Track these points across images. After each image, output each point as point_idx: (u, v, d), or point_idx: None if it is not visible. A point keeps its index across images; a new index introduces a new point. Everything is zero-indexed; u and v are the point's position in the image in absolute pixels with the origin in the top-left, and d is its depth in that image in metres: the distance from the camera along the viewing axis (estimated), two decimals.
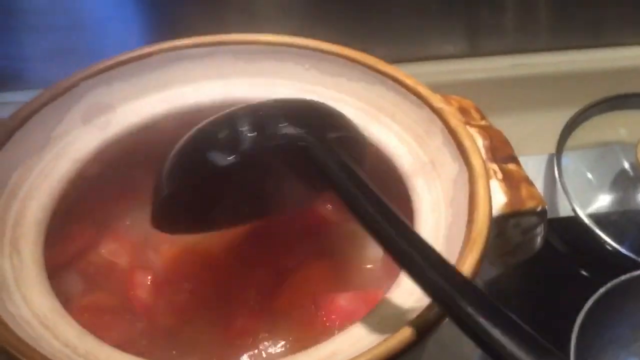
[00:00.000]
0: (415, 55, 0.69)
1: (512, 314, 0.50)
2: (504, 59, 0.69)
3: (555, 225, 0.58)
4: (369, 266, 0.37)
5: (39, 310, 0.27)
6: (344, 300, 0.33)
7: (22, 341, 0.24)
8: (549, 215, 0.58)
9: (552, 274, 0.55)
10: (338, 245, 0.38)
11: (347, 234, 0.38)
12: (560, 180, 0.57)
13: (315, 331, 0.32)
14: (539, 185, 0.61)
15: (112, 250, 0.37)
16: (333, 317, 0.33)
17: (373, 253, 0.37)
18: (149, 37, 0.62)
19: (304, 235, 0.38)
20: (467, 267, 0.26)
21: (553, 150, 0.59)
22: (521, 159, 0.58)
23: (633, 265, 0.48)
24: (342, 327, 0.31)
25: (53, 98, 0.35)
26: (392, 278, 0.33)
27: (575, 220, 0.54)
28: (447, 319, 0.25)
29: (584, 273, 0.55)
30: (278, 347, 0.32)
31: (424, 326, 0.24)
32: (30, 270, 0.29)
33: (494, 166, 0.32)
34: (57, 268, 0.31)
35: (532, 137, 0.65)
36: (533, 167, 0.61)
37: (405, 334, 0.24)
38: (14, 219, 0.31)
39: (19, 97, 0.37)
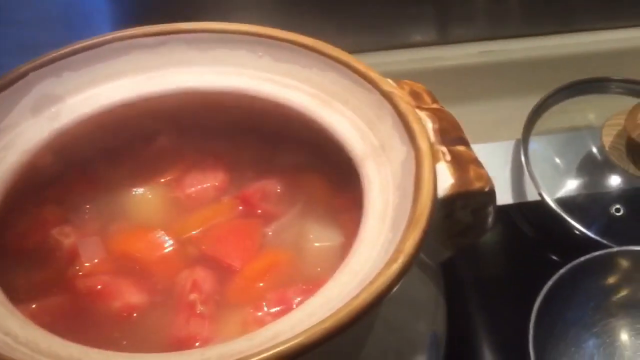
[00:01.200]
0: (384, 44, 0.69)
1: (478, 296, 0.50)
2: (473, 46, 0.69)
3: (523, 209, 0.58)
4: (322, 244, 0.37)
5: None
6: (293, 294, 0.33)
7: None
8: (517, 200, 0.59)
9: (520, 257, 0.55)
10: (288, 235, 0.38)
11: (292, 222, 0.38)
12: (527, 166, 0.57)
13: None
14: (507, 170, 0.61)
15: (62, 233, 0.37)
16: (284, 312, 0.33)
17: (329, 234, 0.37)
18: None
19: (245, 229, 0.38)
20: (407, 248, 0.26)
21: (520, 136, 0.59)
22: (489, 145, 0.58)
23: (599, 247, 0.48)
24: None
25: (0, 90, 0.34)
26: None
27: (542, 204, 0.55)
28: (388, 296, 0.25)
29: (552, 256, 0.55)
30: None
31: (358, 309, 0.24)
32: None
33: (442, 148, 0.32)
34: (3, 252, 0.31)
35: (500, 124, 0.66)
36: (501, 152, 0.62)
37: (341, 314, 0.24)
38: None
39: None
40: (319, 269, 0.37)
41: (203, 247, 0.37)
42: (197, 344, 0.32)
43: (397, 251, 0.26)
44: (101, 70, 0.37)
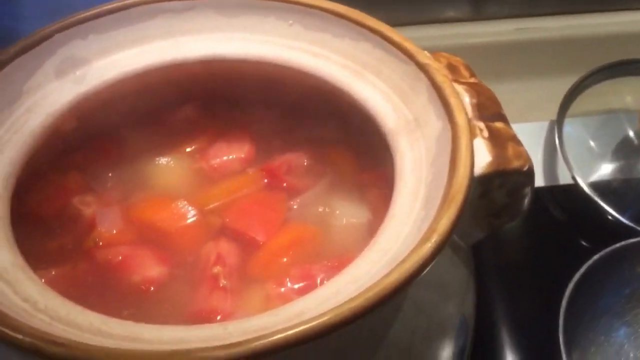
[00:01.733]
0: (416, 19, 0.67)
1: (504, 280, 0.49)
2: (507, 22, 0.67)
3: (555, 193, 0.57)
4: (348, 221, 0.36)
5: (0, 265, 0.26)
6: (318, 271, 0.32)
7: None
8: (549, 183, 0.58)
9: (550, 243, 0.54)
10: (313, 210, 0.36)
11: (318, 196, 0.37)
12: (561, 148, 0.55)
13: None
14: (539, 152, 0.60)
15: (83, 202, 0.36)
16: (307, 289, 0.32)
17: (356, 210, 0.36)
18: None
19: (270, 202, 0.37)
20: (443, 225, 0.25)
21: (554, 117, 0.57)
22: (522, 126, 0.56)
23: (634, 234, 0.46)
24: None
25: (24, 50, 0.33)
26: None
27: (575, 188, 0.53)
28: (419, 277, 0.23)
29: (583, 242, 0.53)
30: None
31: (389, 288, 0.23)
32: None
33: (480, 124, 0.31)
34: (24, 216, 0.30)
35: (534, 104, 0.64)
36: (534, 134, 0.60)
37: (370, 293, 0.22)
38: None
39: None
40: (344, 246, 0.35)
41: (226, 219, 0.36)
42: (218, 317, 0.31)
43: (431, 230, 0.25)
44: (127, 34, 0.36)
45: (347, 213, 0.37)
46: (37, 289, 0.25)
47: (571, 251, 0.53)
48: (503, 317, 0.46)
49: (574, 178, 0.54)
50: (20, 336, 0.22)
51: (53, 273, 0.33)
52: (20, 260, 0.27)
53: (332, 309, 0.22)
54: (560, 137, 0.56)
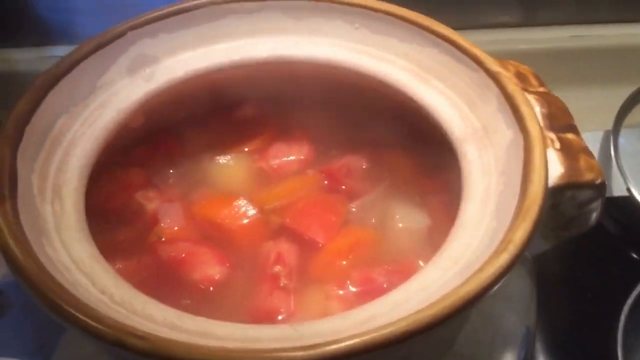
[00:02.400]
0: (469, 23, 0.66)
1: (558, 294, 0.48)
2: (562, 29, 0.66)
3: (608, 204, 0.55)
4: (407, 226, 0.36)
5: (77, 256, 0.27)
6: (378, 275, 0.32)
7: (60, 286, 0.24)
8: None
9: (602, 255, 0.53)
10: (372, 214, 0.37)
11: (377, 200, 0.37)
12: (616, 159, 0.54)
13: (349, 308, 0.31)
14: None
15: (146, 197, 0.37)
16: (368, 292, 0.32)
17: (416, 215, 0.36)
18: None
19: (330, 204, 0.37)
20: (517, 238, 0.25)
21: (610, 127, 0.56)
22: None
23: None
24: None
25: (100, 47, 0.34)
26: (434, 249, 0.32)
27: (629, 200, 0.52)
28: (494, 289, 0.23)
29: (635, 256, 0.52)
30: None
31: (466, 297, 0.23)
32: (71, 216, 0.28)
33: (551, 135, 0.31)
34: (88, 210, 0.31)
35: (589, 113, 0.62)
36: (589, 143, 0.58)
37: (447, 302, 0.22)
38: (57, 165, 0.30)
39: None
40: (403, 251, 0.35)
41: (286, 220, 0.36)
42: (279, 317, 0.32)
43: (506, 241, 0.25)
44: (196, 33, 0.37)
45: (406, 218, 0.37)
46: (113, 281, 0.26)
47: (624, 265, 0.52)
48: (557, 329, 0.45)
49: (628, 190, 0.53)
50: (103, 327, 0.22)
51: (119, 266, 0.33)
52: (96, 252, 0.27)
53: (409, 316, 0.22)
54: (615, 148, 0.55)
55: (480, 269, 0.24)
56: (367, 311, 0.25)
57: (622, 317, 0.40)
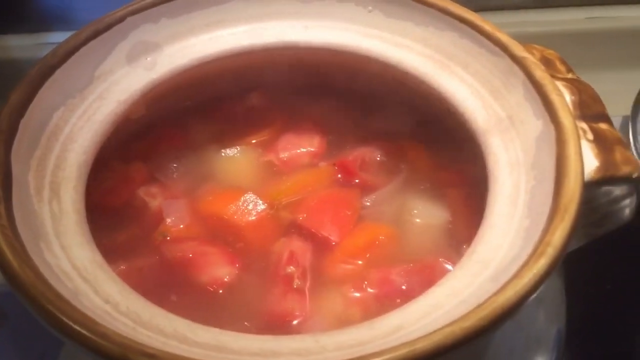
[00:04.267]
0: (481, 5, 0.64)
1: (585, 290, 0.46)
2: (578, 10, 0.63)
3: None
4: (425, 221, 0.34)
5: (78, 262, 0.25)
6: (397, 276, 0.30)
7: (60, 297, 0.22)
8: None
9: (620, 246, 0.51)
10: (388, 209, 0.35)
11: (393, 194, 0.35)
12: (635, 145, 0.52)
13: (367, 311, 0.30)
14: None
15: (149, 193, 0.35)
16: (387, 294, 0.30)
17: (434, 210, 0.34)
18: None
19: (343, 199, 0.35)
20: (556, 240, 0.23)
21: (628, 112, 0.54)
22: None
23: None
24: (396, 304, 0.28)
25: (97, 34, 0.32)
26: (455, 246, 0.30)
27: None
28: (534, 295, 0.21)
29: None
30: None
31: (505, 306, 0.21)
32: (70, 217, 0.26)
33: (583, 125, 0.29)
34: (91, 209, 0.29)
35: (606, 98, 0.60)
36: None
37: (483, 312, 0.21)
38: (54, 162, 0.28)
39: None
40: (422, 248, 0.34)
41: (298, 216, 0.34)
42: (295, 321, 0.30)
43: (545, 243, 0.23)
44: (200, 18, 0.34)
45: (424, 213, 0.35)
46: (117, 289, 0.24)
47: None
48: (589, 328, 0.44)
49: None
50: (108, 344, 0.20)
51: (122, 267, 0.31)
52: (98, 257, 0.25)
53: (443, 328, 0.20)
54: (634, 134, 0.53)
55: (518, 275, 0.22)
56: (394, 320, 0.23)
57: None
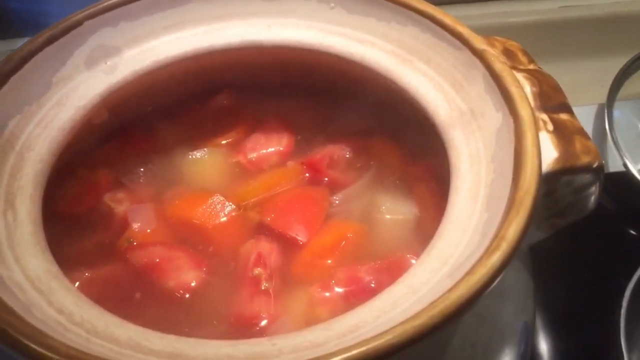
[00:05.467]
0: None
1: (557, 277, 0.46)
2: (552, 0, 0.63)
3: (605, 180, 0.54)
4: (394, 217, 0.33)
5: (32, 272, 0.24)
6: (365, 274, 0.30)
7: (7, 309, 0.22)
8: None
9: (600, 233, 0.51)
10: (357, 206, 0.34)
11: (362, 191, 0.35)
12: (611, 133, 0.52)
13: (335, 310, 0.29)
14: None
15: (115, 199, 0.34)
16: (355, 293, 0.30)
17: (403, 206, 0.34)
18: None
19: (311, 198, 0.35)
20: (510, 234, 0.23)
21: (603, 100, 0.54)
22: None
23: None
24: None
25: (54, 39, 0.32)
26: (423, 241, 0.30)
27: (626, 175, 0.51)
28: (489, 289, 0.21)
29: (633, 232, 0.51)
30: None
31: (456, 303, 0.20)
32: (26, 228, 0.26)
33: (543, 116, 0.28)
34: (52, 216, 0.29)
35: (581, 87, 0.60)
36: (582, 118, 0.56)
37: (435, 310, 0.20)
38: (9, 172, 0.28)
39: None
40: (391, 245, 0.33)
41: (266, 217, 0.34)
42: (262, 323, 0.29)
43: (499, 238, 0.23)
44: (159, 20, 0.34)
45: (392, 209, 0.35)
46: (72, 299, 0.24)
47: (621, 241, 0.51)
48: (553, 316, 0.44)
49: (625, 165, 0.51)
50: (56, 357, 0.20)
51: (86, 275, 0.31)
52: (54, 267, 0.25)
53: (394, 328, 0.20)
54: (610, 122, 0.53)
55: (471, 271, 0.21)
56: (352, 320, 0.23)
57: (625, 300, 0.39)
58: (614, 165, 0.54)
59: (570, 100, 0.56)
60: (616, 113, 0.54)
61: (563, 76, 0.61)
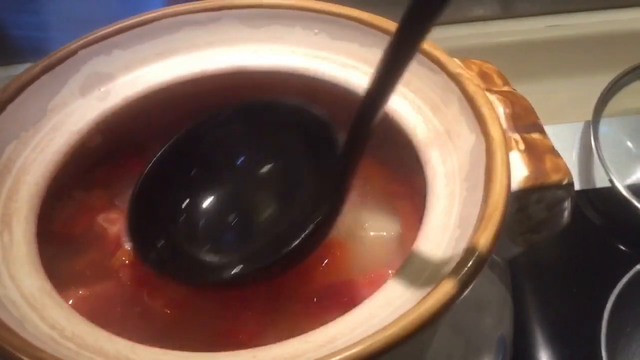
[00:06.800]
0: (444, 18, 0.65)
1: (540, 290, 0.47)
2: (538, 20, 0.65)
3: (591, 196, 0.55)
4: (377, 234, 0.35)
5: (27, 290, 0.26)
6: (347, 289, 0.31)
7: (4, 325, 0.23)
8: (585, 187, 0.56)
9: (587, 248, 0.52)
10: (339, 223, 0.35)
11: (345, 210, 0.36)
12: (597, 150, 0.54)
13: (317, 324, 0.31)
14: (574, 154, 0.58)
15: (108, 219, 0.36)
16: (337, 307, 0.31)
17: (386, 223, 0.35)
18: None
19: None
20: (481, 245, 0.24)
21: (590, 117, 0.55)
22: (556, 127, 0.55)
23: None
24: None
25: (49, 68, 0.33)
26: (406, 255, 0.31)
27: (612, 191, 0.52)
28: (458, 300, 0.22)
29: (621, 247, 0.52)
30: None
31: (424, 315, 0.22)
32: (21, 247, 0.27)
33: (515, 136, 0.30)
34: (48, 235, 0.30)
35: (568, 104, 0.62)
36: (568, 135, 0.58)
37: (405, 320, 0.22)
38: (6, 194, 0.29)
39: None
40: (373, 261, 0.34)
41: None
42: (247, 338, 0.31)
43: (467, 252, 0.24)
44: (151, 48, 0.36)
45: (376, 226, 0.36)
46: (64, 315, 0.25)
47: (609, 256, 0.52)
48: (540, 329, 0.45)
49: (610, 181, 0.52)
50: None
51: (80, 292, 0.32)
52: (47, 285, 0.26)
53: (365, 338, 0.21)
54: (596, 138, 0.54)
55: (440, 284, 0.23)
56: (329, 332, 0.24)
57: (606, 312, 0.39)
58: (600, 181, 0.55)
59: (557, 117, 0.58)
60: (602, 129, 0.55)
61: (550, 94, 0.63)
